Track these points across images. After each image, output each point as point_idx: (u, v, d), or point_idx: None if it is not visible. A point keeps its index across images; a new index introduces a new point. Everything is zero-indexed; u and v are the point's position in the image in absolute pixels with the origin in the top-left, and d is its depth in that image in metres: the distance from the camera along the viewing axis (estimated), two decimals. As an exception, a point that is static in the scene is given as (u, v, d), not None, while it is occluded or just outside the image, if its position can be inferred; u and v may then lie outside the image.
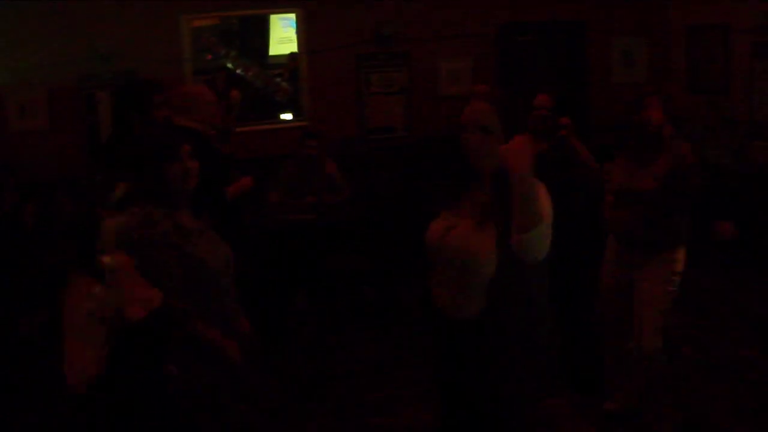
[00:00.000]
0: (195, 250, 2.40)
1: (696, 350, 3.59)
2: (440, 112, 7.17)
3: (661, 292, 3.60)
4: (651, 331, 3.60)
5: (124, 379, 2.16)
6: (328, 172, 6.16)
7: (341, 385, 4.59)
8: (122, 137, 3.51)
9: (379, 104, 7.21)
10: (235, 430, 2.30)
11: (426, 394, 4.37)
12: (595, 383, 3.99)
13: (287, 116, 7.82)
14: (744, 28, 6.77)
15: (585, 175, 3.96)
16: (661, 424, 3.66)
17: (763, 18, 6.54)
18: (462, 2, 7.24)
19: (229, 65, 8.38)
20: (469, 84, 7.23)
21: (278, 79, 8.74)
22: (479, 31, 7.31)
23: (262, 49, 9.68)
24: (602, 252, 3.85)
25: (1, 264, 5.09)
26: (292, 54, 8.83)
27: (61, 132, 6.44)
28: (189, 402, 2.27)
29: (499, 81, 7.30)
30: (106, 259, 2.17)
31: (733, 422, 3.81)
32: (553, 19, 7.47)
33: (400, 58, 7.18)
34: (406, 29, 7.12)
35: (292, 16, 7.67)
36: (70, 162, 6.22)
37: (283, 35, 9.53)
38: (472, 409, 2.46)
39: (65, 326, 2.18)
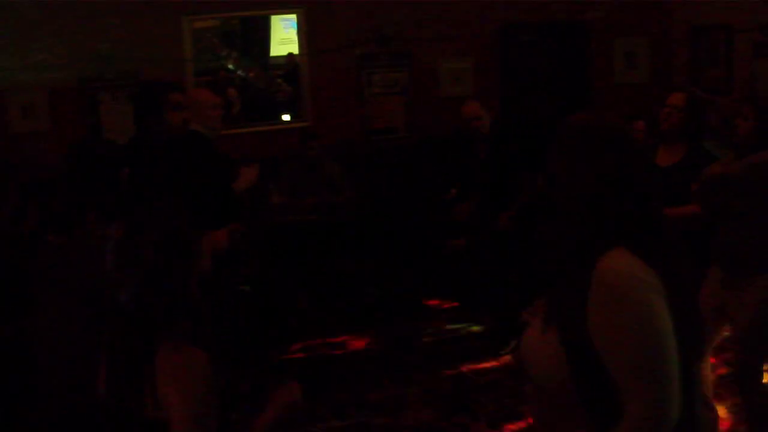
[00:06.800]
0: None
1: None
2: (441, 112, 7.16)
3: (758, 317, 3.27)
4: (745, 365, 3.34)
5: None
6: (329, 173, 6.15)
7: (342, 384, 4.58)
8: (142, 140, 3.51)
9: (381, 105, 7.19)
10: None
11: (426, 395, 4.37)
12: None
13: (288, 117, 7.82)
14: (746, 28, 6.75)
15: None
16: None
17: (765, 18, 6.53)
18: (463, 2, 7.22)
19: (231, 66, 8.38)
20: (470, 84, 7.23)
21: (279, 80, 8.75)
22: (481, 31, 7.30)
23: (264, 50, 9.70)
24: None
25: (2, 265, 5.08)
26: (289, 54, 8.83)
27: (63, 133, 6.43)
28: None
29: (501, 82, 7.30)
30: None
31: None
32: (556, 19, 7.46)
33: (401, 58, 7.17)
34: (407, 29, 7.11)
35: (293, 17, 7.67)
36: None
37: (284, 36, 9.55)
38: None
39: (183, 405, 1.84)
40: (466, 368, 4.68)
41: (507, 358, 4.73)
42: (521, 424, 3.90)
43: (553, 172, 1.78)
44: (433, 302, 5.94)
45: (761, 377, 3.37)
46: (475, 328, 5.16)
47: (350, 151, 6.88)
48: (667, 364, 1.61)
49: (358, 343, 5.24)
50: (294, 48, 8.20)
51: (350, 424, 4.11)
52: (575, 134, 1.77)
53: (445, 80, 7.27)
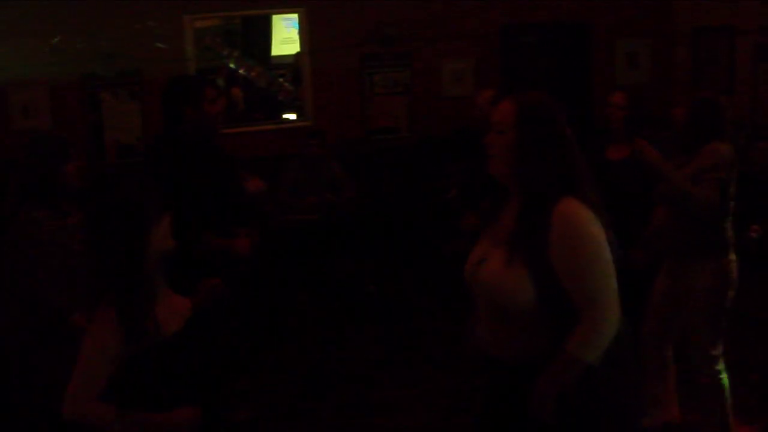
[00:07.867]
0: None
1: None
2: (443, 112, 7.16)
3: (704, 304, 3.38)
4: (696, 344, 3.43)
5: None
6: (330, 172, 6.15)
7: (342, 385, 4.58)
8: (171, 131, 3.48)
9: (382, 104, 7.20)
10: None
11: (427, 395, 4.37)
12: None
13: (290, 116, 7.82)
14: (748, 30, 6.75)
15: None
16: None
17: (767, 19, 6.53)
18: (465, 2, 7.23)
19: (232, 65, 8.37)
20: (471, 84, 7.23)
21: (281, 80, 8.73)
22: (482, 31, 7.30)
23: (265, 49, 9.68)
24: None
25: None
26: (296, 54, 8.83)
27: (64, 131, 6.43)
28: None
29: (502, 82, 7.29)
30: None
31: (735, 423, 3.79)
32: (557, 20, 7.46)
33: (403, 58, 7.17)
34: (409, 29, 7.12)
35: (295, 16, 7.67)
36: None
37: (286, 35, 9.53)
38: None
39: (81, 357, 2.09)
40: (465, 367, 4.67)
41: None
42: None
43: (512, 149, 2.12)
44: (433, 302, 5.94)
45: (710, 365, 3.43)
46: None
47: (351, 151, 6.89)
48: (612, 285, 2.05)
49: (358, 343, 5.23)
50: (296, 47, 8.20)
51: (350, 424, 4.11)
52: (528, 116, 2.17)
53: (447, 80, 7.28)
